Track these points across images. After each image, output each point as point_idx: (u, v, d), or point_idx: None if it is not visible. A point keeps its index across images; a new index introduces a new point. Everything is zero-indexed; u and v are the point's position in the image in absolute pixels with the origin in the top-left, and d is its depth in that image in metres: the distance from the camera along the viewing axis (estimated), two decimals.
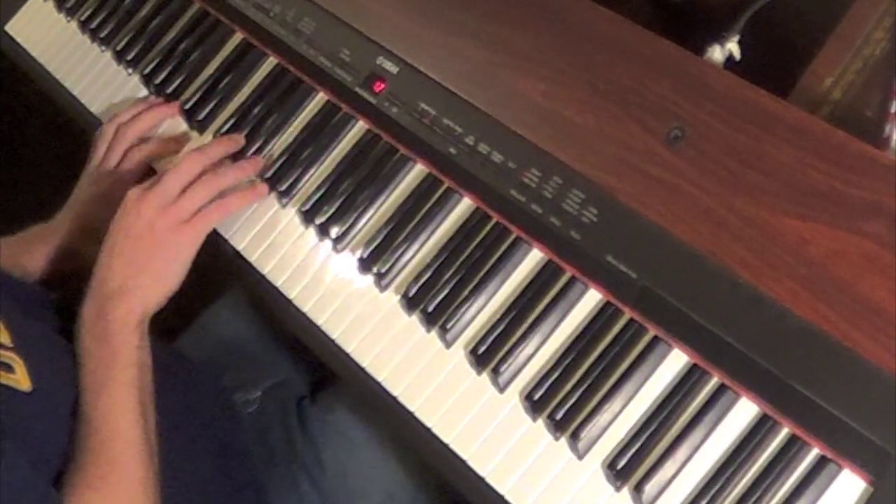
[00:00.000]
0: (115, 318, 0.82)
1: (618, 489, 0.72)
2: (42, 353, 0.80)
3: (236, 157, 0.94)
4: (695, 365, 0.72)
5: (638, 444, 0.72)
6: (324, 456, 0.99)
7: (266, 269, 0.90)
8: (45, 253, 0.96)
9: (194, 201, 0.86)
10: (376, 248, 0.86)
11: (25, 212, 0.99)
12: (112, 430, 0.77)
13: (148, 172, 0.97)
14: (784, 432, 0.69)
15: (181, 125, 1.01)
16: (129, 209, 0.86)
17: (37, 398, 0.76)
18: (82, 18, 1.11)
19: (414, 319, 0.83)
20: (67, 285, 0.94)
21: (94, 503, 0.74)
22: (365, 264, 0.86)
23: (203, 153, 0.90)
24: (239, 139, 0.94)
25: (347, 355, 0.84)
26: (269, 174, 0.92)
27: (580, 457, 0.73)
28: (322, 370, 0.87)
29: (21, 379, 0.76)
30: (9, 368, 0.75)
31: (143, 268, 0.84)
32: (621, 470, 0.71)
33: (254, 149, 0.95)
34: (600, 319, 0.76)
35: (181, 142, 0.99)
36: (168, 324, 0.91)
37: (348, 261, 0.87)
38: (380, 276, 0.84)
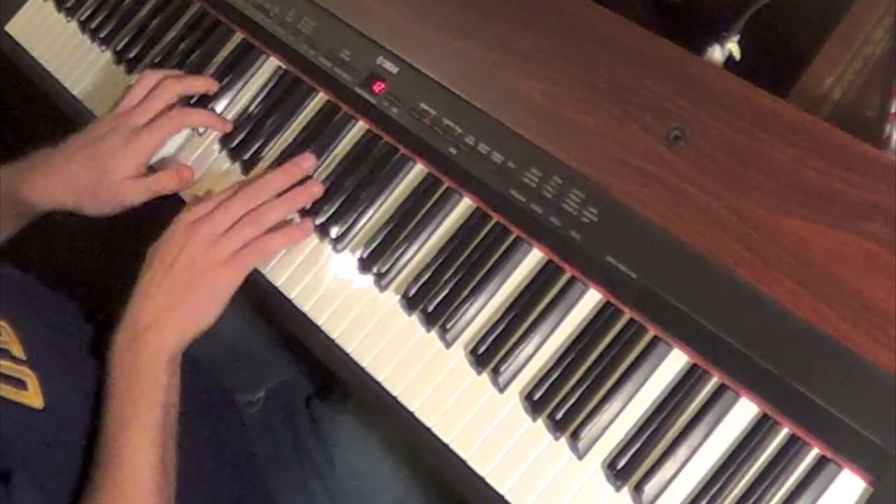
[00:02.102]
0: (146, 354, 0.80)
1: (618, 489, 0.72)
2: (57, 366, 0.79)
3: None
4: (695, 365, 0.72)
5: (638, 444, 0.72)
6: (335, 455, 0.98)
7: (266, 269, 0.89)
8: (50, 181, 0.93)
9: (238, 242, 0.83)
10: (376, 248, 0.86)
11: None
12: (129, 470, 0.75)
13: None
14: (784, 432, 0.69)
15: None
16: (175, 237, 0.83)
17: (49, 416, 0.75)
18: (82, 18, 1.11)
19: (414, 319, 0.83)
20: (88, 292, 0.94)
21: None
22: (365, 264, 0.86)
23: (262, 188, 0.86)
24: (304, 163, 0.89)
25: (347, 355, 0.84)
26: None
27: (580, 457, 0.73)
28: (327, 370, 0.86)
29: (33, 395, 0.75)
30: (21, 384, 0.74)
31: (179, 303, 0.81)
32: (621, 470, 0.71)
33: (254, 149, 0.95)
34: (600, 319, 0.76)
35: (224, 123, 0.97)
36: None
37: (348, 261, 0.87)
38: (380, 276, 0.84)
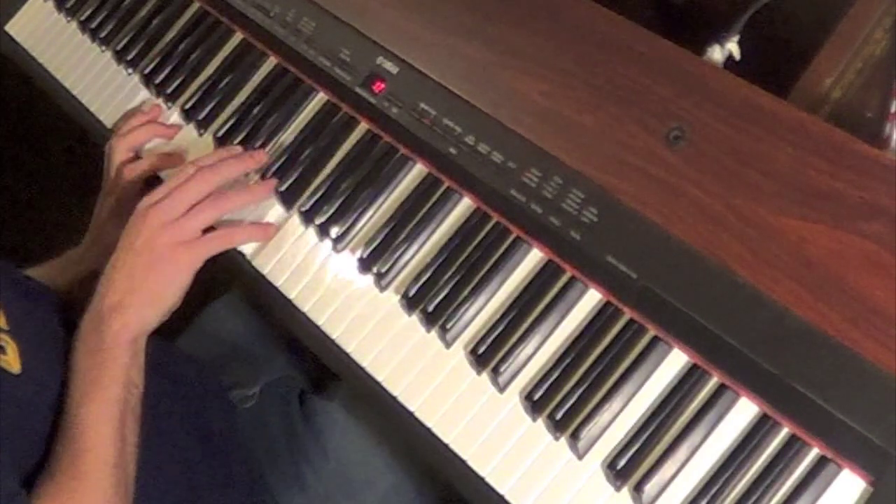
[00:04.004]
0: (108, 334, 0.81)
1: (618, 489, 0.72)
2: (36, 339, 0.81)
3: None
4: (695, 365, 0.72)
5: (638, 444, 0.72)
6: (328, 445, 0.99)
7: (266, 269, 0.90)
8: (75, 276, 0.97)
9: (197, 222, 0.85)
10: (376, 248, 0.86)
11: (27, 213, 0.99)
12: (87, 444, 0.77)
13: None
14: (784, 432, 0.69)
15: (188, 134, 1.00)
16: (134, 222, 0.86)
17: (24, 381, 0.76)
18: (82, 18, 1.11)
19: (414, 319, 0.83)
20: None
21: None
22: (365, 264, 0.86)
23: (216, 171, 0.88)
24: (261, 156, 0.92)
25: (347, 355, 0.84)
26: (268, 174, 0.92)
27: (580, 457, 0.73)
28: (322, 366, 0.87)
29: (11, 360, 0.76)
30: (1, 349, 0.76)
31: (139, 285, 0.83)
32: (621, 470, 0.71)
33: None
34: (600, 319, 0.76)
35: (177, 156, 0.98)
36: (168, 324, 0.91)
37: (348, 261, 0.87)
38: (380, 276, 0.84)
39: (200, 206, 0.86)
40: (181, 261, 0.84)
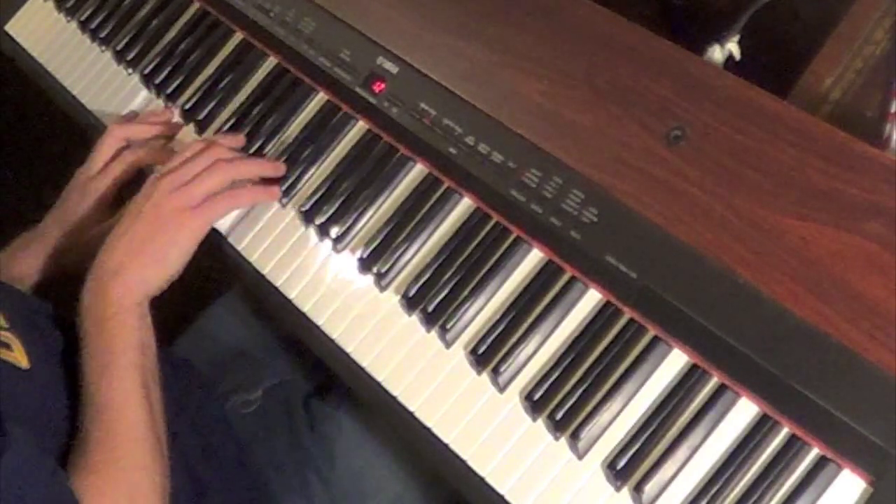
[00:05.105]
0: (111, 299, 0.81)
1: (618, 489, 0.72)
2: (37, 333, 0.81)
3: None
4: (695, 365, 0.72)
5: (638, 444, 0.72)
6: (335, 453, 0.98)
7: (266, 269, 0.90)
8: (31, 258, 0.96)
9: (204, 186, 0.86)
10: (376, 248, 0.86)
11: (27, 213, 0.99)
12: (115, 414, 0.77)
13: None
14: (784, 432, 0.69)
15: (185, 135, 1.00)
16: (145, 190, 0.86)
17: (35, 375, 0.76)
18: (82, 18, 1.12)
19: (414, 319, 0.83)
20: (58, 294, 0.94)
21: (96, 487, 0.73)
22: (365, 264, 0.86)
23: (224, 147, 0.90)
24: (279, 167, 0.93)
25: (347, 355, 0.84)
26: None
27: (580, 457, 0.73)
28: (325, 369, 0.87)
29: (19, 356, 0.76)
30: (6, 346, 0.76)
31: (141, 248, 0.83)
32: (621, 470, 0.71)
33: (254, 149, 0.95)
34: (600, 319, 0.76)
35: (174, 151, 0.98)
36: (167, 326, 0.91)
37: (348, 261, 0.87)
38: (380, 276, 0.84)
39: (205, 173, 0.86)
40: (185, 225, 0.85)
